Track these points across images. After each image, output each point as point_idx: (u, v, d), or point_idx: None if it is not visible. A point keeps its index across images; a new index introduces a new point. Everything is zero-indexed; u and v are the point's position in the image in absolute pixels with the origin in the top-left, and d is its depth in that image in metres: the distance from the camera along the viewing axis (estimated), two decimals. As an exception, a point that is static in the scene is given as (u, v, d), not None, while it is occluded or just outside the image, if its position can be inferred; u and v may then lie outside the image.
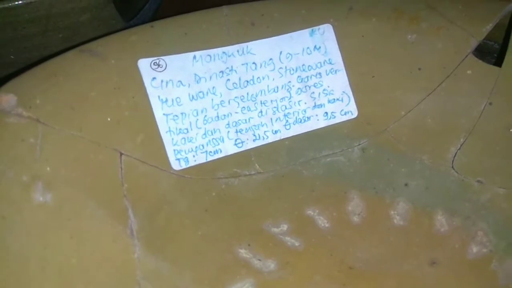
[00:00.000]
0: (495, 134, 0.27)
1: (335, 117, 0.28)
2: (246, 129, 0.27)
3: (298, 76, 0.28)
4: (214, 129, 0.27)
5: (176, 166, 0.26)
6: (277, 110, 0.28)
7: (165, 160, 0.26)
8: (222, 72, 0.27)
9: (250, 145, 0.27)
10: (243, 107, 0.27)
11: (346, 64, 0.28)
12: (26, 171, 0.22)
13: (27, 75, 0.24)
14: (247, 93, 0.27)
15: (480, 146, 0.27)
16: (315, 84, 0.28)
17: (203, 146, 0.27)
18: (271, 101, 0.28)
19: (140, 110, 0.25)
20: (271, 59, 0.27)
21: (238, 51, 0.27)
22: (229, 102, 0.27)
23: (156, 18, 0.29)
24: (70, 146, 0.24)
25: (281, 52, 0.27)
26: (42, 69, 0.24)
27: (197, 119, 0.26)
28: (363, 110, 0.28)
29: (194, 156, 0.26)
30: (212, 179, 0.27)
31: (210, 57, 0.26)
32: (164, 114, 0.26)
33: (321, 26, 0.27)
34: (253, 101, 0.27)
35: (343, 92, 0.28)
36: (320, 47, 0.28)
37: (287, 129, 0.28)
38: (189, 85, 0.26)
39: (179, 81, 0.26)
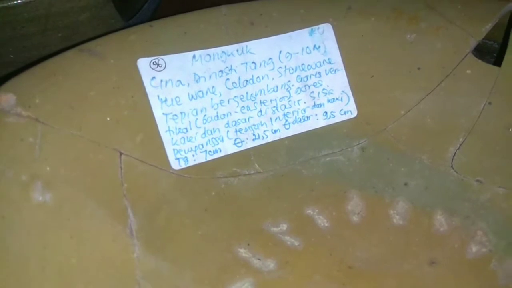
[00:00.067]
0: (494, 134, 0.27)
1: (334, 116, 0.28)
2: (245, 128, 0.27)
3: (298, 76, 0.28)
4: (213, 129, 0.27)
5: (175, 165, 0.26)
6: (277, 109, 0.28)
7: (164, 159, 0.26)
8: (221, 71, 0.27)
9: (249, 144, 0.27)
10: (243, 106, 0.27)
11: (345, 64, 0.28)
12: (25, 171, 0.22)
13: (26, 75, 0.24)
14: (247, 93, 0.27)
15: (479, 146, 0.27)
16: (315, 84, 0.28)
17: (202, 145, 0.27)
18: (271, 100, 0.28)
19: (140, 110, 0.25)
20: (270, 58, 0.27)
21: (237, 50, 0.27)
22: (228, 101, 0.27)
23: (155, 17, 0.29)
24: (69, 145, 0.23)
25: (280, 52, 0.27)
26: (41, 68, 0.24)
27: (197, 119, 0.26)
28: (363, 109, 0.28)
29: (193, 155, 0.26)
30: (212, 178, 0.27)
31: (210, 57, 0.26)
32: (163, 113, 0.26)
33: (321, 26, 0.27)
34: (252, 100, 0.27)
35: (343, 91, 0.28)
36: (319, 47, 0.28)
37: (287, 129, 0.28)
38: (188, 84, 0.26)
39: (178, 80, 0.26)
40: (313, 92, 0.28)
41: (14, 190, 0.22)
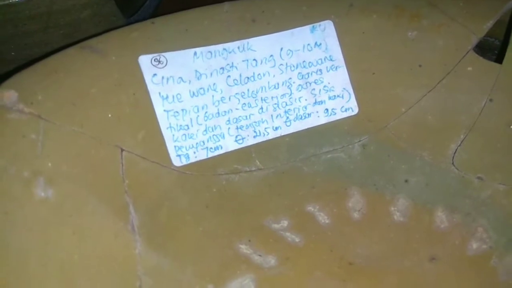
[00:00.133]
0: (495, 131, 0.27)
1: (335, 113, 0.28)
2: (246, 125, 0.27)
3: (299, 73, 0.28)
4: (214, 126, 0.27)
5: (177, 162, 0.26)
6: (278, 106, 0.28)
7: (166, 156, 0.26)
8: (222, 68, 0.27)
9: (250, 141, 0.27)
10: (244, 103, 0.27)
11: (346, 61, 0.28)
12: (27, 167, 0.22)
13: (28, 72, 0.24)
14: (248, 90, 0.27)
15: (480, 143, 0.27)
16: (316, 81, 0.28)
17: (203, 142, 0.27)
18: (272, 97, 0.28)
19: (141, 107, 0.26)
20: (271, 55, 0.27)
21: (238, 47, 0.27)
22: (229, 98, 0.27)
23: (156, 14, 0.29)
24: (71, 142, 0.24)
25: (281, 49, 0.27)
26: (43, 65, 0.24)
27: (198, 116, 0.27)
28: (364, 106, 0.28)
29: (194, 152, 0.27)
30: (213, 175, 0.27)
31: (211, 54, 0.26)
32: (164, 110, 0.26)
33: (322, 23, 0.27)
34: (253, 97, 0.27)
35: (344, 88, 0.28)
36: (321, 44, 0.28)
37: (288, 126, 0.28)
38: (189, 81, 0.26)
39: (179, 77, 0.26)
40: (314, 89, 0.28)
41: (16, 187, 0.22)
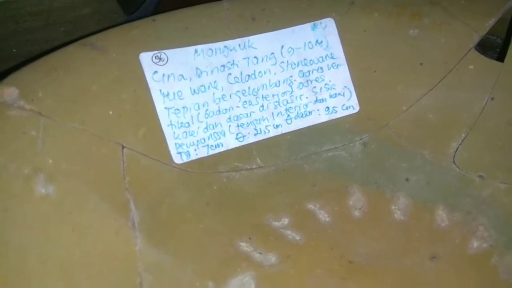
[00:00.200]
0: (496, 129, 0.27)
1: (336, 111, 0.28)
2: (247, 123, 0.27)
3: (300, 71, 0.28)
4: (215, 123, 0.27)
5: (177, 159, 0.26)
6: (279, 104, 0.28)
7: (166, 153, 0.26)
8: (223, 66, 0.27)
9: (251, 139, 0.27)
10: (245, 101, 0.27)
11: (347, 59, 0.28)
12: (28, 164, 0.22)
13: (29, 69, 0.24)
14: (249, 87, 0.27)
15: (481, 141, 0.27)
16: (317, 79, 0.28)
17: (204, 140, 0.27)
18: (273, 95, 0.28)
19: (142, 104, 0.25)
20: (272, 53, 0.27)
21: (239, 45, 0.27)
22: (230, 96, 0.27)
23: (157, 12, 0.29)
24: (72, 139, 0.24)
25: (282, 46, 0.27)
26: (44, 62, 0.24)
27: (199, 113, 0.26)
28: (365, 105, 0.28)
29: (195, 150, 0.27)
30: (214, 173, 0.27)
31: (212, 51, 0.26)
32: (165, 107, 0.26)
33: (323, 21, 0.27)
34: (254, 95, 0.27)
35: (345, 86, 0.28)
36: (322, 42, 0.28)
37: (289, 124, 0.28)
38: (190, 79, 0.26)
39: (180, 75, 0.26)
40: (315, 87, 0.28)
41: (17, 183, 0.22)
